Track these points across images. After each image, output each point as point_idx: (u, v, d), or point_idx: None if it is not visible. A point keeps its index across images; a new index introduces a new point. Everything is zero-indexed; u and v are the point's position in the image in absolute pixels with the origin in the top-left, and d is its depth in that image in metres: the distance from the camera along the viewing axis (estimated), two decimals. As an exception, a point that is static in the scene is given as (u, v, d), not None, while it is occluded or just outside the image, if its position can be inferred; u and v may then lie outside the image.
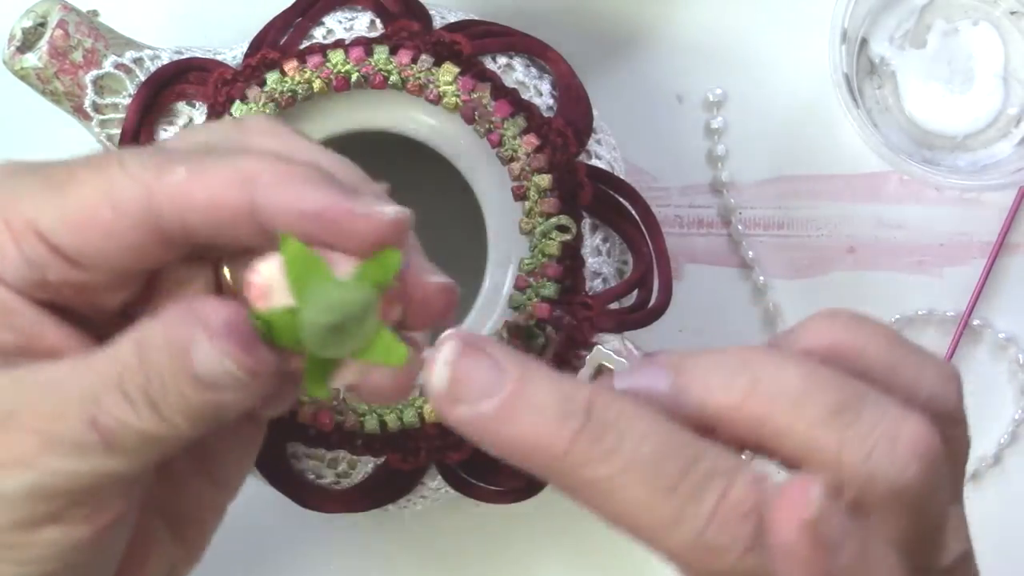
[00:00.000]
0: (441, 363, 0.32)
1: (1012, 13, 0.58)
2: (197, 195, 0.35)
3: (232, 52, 0.50)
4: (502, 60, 0.50)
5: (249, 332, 0.34)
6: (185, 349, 0.34)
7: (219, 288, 0.38)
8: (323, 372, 0.35)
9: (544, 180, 0.48)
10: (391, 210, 0.35)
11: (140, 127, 0.49)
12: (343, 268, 0.34)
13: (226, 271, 0.37)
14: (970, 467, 0.58)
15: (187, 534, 0.39)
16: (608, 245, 0.50)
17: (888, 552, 0.32)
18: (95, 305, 0.37)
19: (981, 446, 0.58)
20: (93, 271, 0.36)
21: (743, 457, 0.32)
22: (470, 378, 0.32)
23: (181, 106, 0.49)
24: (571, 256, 0.48)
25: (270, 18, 0.50)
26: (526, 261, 0.48)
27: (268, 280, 0.34)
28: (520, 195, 0.48)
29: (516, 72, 0.50)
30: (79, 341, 0.36)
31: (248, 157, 0.35)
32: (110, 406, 0.34)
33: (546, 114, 0.49)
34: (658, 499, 0.31)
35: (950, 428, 0.34)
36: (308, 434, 0.48)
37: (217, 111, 0.48)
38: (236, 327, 0.33)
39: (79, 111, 0.49)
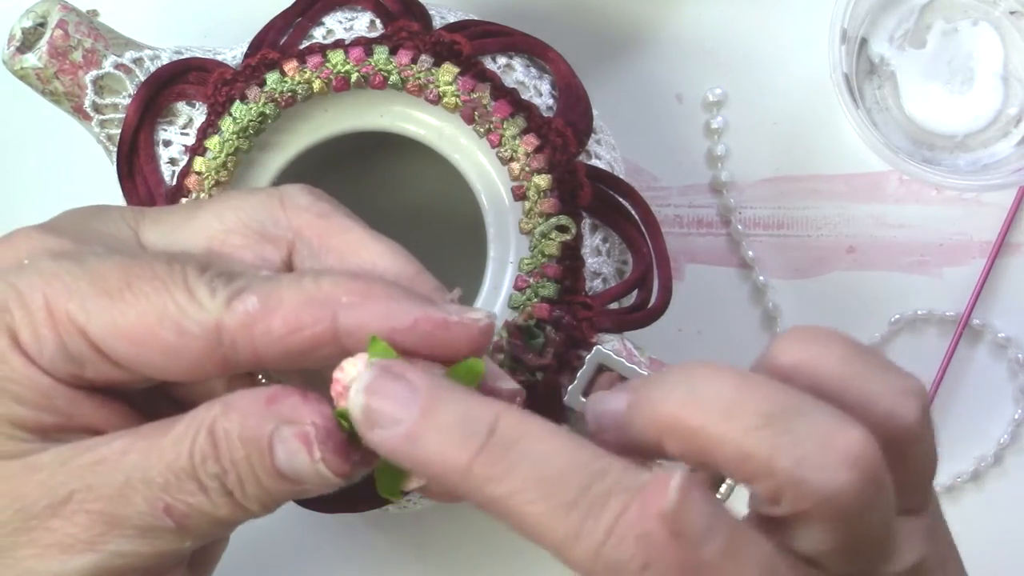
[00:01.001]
0: (355, 391, 0.33)
1: (1012, 13, 0.58)
2: (273, 324, 0.34)
3: (232, 52, 0.50)
4: (502, 60, 0.50)
5: (344, 438, 0.34)
6: (266, 444, 0.34)
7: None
8: (397, 473, 0.35)
9: (544, 180, 0.48)
10: (481, 316, 0.35)
11: (140, 127, 0.49)
12: None
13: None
14: (970, 467, 0.58)
15: (199, 568, 0.39)
16: (608, 245, 0.50)
17: (766, 550, 0.32)
18: (129, 387, 0.37)
19: (981, 446, 0.58)
20: (136, 375, 0.36)
21: (654, 472, 0.32)
22: (382, 404, 0.33)
23: (181, 106, 0.49)
24: (571, 256, 0.48)
25: (270, 18, 0.50)
26: (526, 261, 0.48)
27: (353, 379, 0.34)
28: (520, 195, 0.48)
29: (516, 72, 0.50)
30: (117, 414, 0.36)
31: (319, 280, 0.35)
32: (183, 494, 0.34)
33: (546, 114, 0.49)
34: (558, 515, 0.32)
35: (909, 444, 0.34)
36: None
37: (217, 111, 0.48)
38: (332, 433, 0.34)
39: (79, 111, 0.49)
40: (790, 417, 0.32)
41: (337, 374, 0.34)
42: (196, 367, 0.35)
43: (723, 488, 0.46)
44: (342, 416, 0.34)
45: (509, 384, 0.36)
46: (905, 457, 0.34)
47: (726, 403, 0.32)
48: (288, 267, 0.37)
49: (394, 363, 0.33)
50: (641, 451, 0.34)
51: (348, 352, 0.35)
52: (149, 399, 0.37)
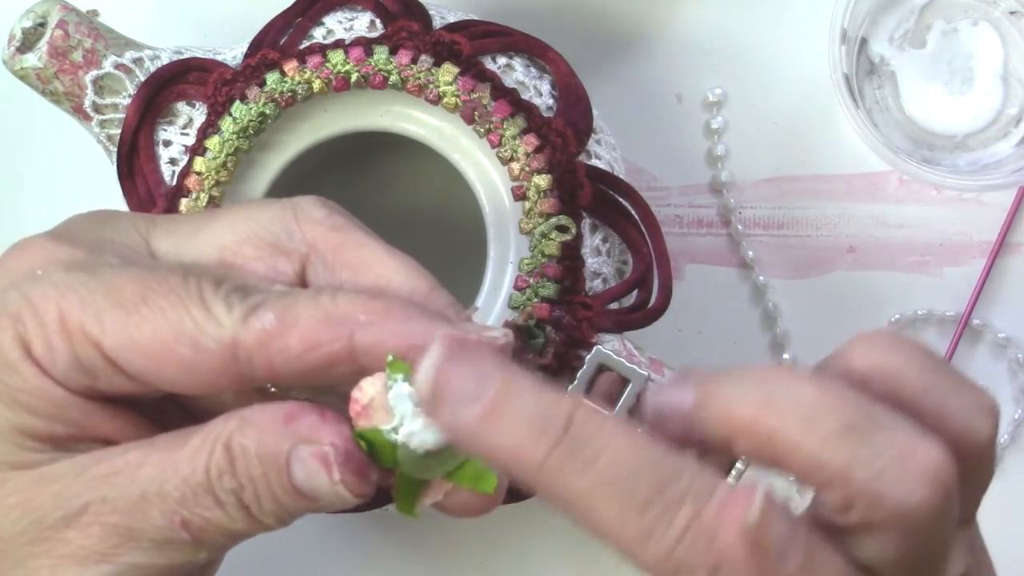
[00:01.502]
0: (427, 365, 0.32)
1: (1012, 13, 0.58)
2: (290, 341, 0.34)
3: (232, 52, 0.50)
4: (502, 60, 0.50)
5: (363, 459, 0.34)
6: (284, 462, 0.34)
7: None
8: (414, 491, 0.35)
9: (544, 180, 0.48)
10: (499, 335, 0.35)
11: (140, 127, 0.49)
12: None
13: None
14: (970, 467, 0.58)
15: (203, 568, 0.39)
16: (608, 245, 0.50)
17: (839, 565, 0.32)
18: (141, 398, 0.37)
19: (981, 446, 0.58)
20: (149, 388, 0.36)
21: (729, 478, 0.32)
22: (454, 382, 0.32)
23: (181, 106, 0.49)
24: (571, 256, 0.48)
25: (270, 18, 0.50)
26: (526, 261, 0.48)
27: (371, 399, 0.34)
28: (520, 195, 0.48)
29: (516, 72, 0.50)
30: (130, 424, 0.36)
31: (336, 297, 0.35)
32: (199, 508, 0.34)
33: (546, 114, 0.49)
34: (630, 516, 0.31)
35: (977, 460, 0.34)
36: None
37: (217, 111, 0.48)
38: (352, 455, 0.34)
39: (79, 111, 0.49)
40: (870, 428, 0.32)
41: (355, 393, 0.34)
42: (212, 381, 0.35)
43: (732, 473, 0.46)
44: (361, 437, 0.34)
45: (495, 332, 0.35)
46: (969, 473, 0.33)
47: (806, 409, 0.32)
48: (301, 280, 0.37)
49: (467, 341, 0.33)
50: (705, 446, 0.34)
51: (364, 370, 0.34)
52: (159, 408, 0.37)
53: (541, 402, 0.32)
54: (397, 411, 0.34)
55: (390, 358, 0.34)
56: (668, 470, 0.31)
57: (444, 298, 0.37)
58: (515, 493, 0.49)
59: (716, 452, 0.33)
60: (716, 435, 0.33)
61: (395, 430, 0.34)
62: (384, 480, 0.35)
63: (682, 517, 0.31)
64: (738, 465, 0.45)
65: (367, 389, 0.34)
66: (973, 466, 0.34)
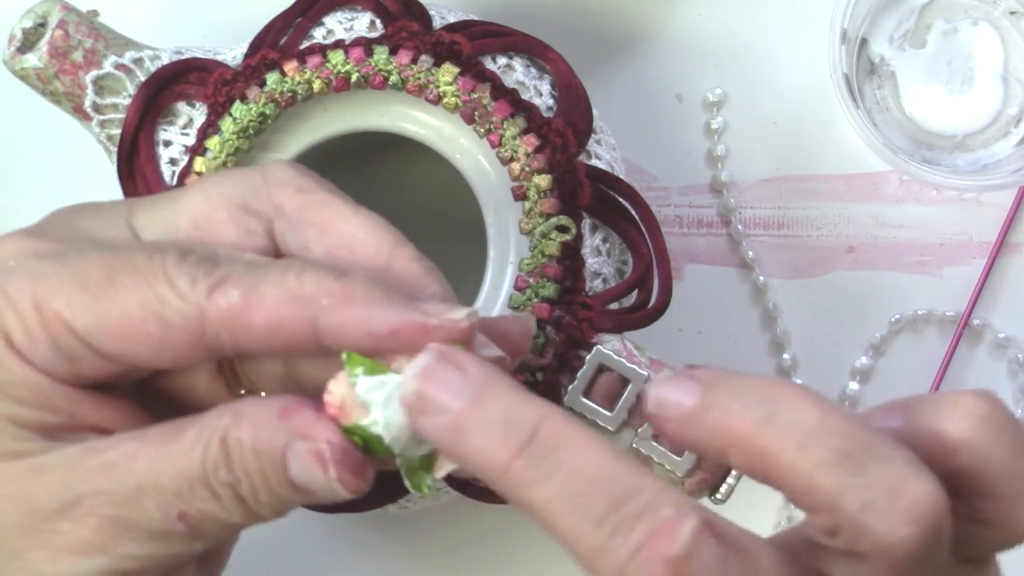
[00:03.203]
0: (410, 375, 0.33)
1: (1012, 13, 0.58)
2: (255, 320, 0.34)
3: (232, 52, 0.50)
4: (502, 60, 0.50)
5: (359, 456, 0.34)
6: (280, 457, 0.34)
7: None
8: (421, 468, 0.35)
9: (544, 180, 0.48)
10: (461, 316, 0.35)
11: (140, 127, 0.49)
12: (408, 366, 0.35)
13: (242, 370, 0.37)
14: (970, 467, 0.58)
15: (210, 565, 0.39)
16: (608, 245, 0.50)
17: None
18: (122, 381, 0.37)
19: (981, 446, 0.58)
20: (129, 367, 0.36)
21: (719, 493, 0.32)
22: (434, 391, 0.33)
23: (181, 106, 0.49)
24: (571, 256, 0.48)
25: (270, 18, 0.50)
26: (526, 261, 0.48)
27: (342, 399, 0.34)
28: (520, 195, 0.48)
29: (516, 72, 0.50)
30: (118, 412, 0.36)
31: (303, 276, 0.35)
32: (196, 501, 0.34)
33: (546, 114, 0.49)
34: (587, 528, 0.32)
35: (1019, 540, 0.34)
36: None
37: (217, 111, 0.48)
38: (348, 452, 0.34)
39: (79, 111, 0.49)
40: (865, 458, 0.32)
41: (326, 397, 0.35)
42: (182, 355, 0.35)
43: (723, 489, 0.46)
44: (349, 432, 0.34)
45: (494, 351, 0.36)
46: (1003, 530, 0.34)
47: (804, 433, 0.32)
48: (271, 240, 0.37)
49: (453, 350, 0.34)
50: (700, 450, 0.34)
51: (330, 350, 0.35)
52: (146, 395, 0.38)
53: (511, 408, 0.32)
54: (370, 404, 0.34)
55: (345, 355, 0.34)
56: (628, 487, 0.32)
57: (409, 253, 0.37)
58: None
59: (709, 457, 0.34)
60: (711, 443, 0.33)
61: (375, 423, 0.34)
62: (387, 465, 0.35)
63: (635, 536, 0.31)
64: (729, 480, 0.45)
65: (335, 391, 0.34)
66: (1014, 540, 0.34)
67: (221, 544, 0.39)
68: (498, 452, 0.32)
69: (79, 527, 0.35)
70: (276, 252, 0.37)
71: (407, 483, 0.35)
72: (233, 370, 0.37)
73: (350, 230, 0.37)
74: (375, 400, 0.34)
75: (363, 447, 0.34)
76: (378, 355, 0.35)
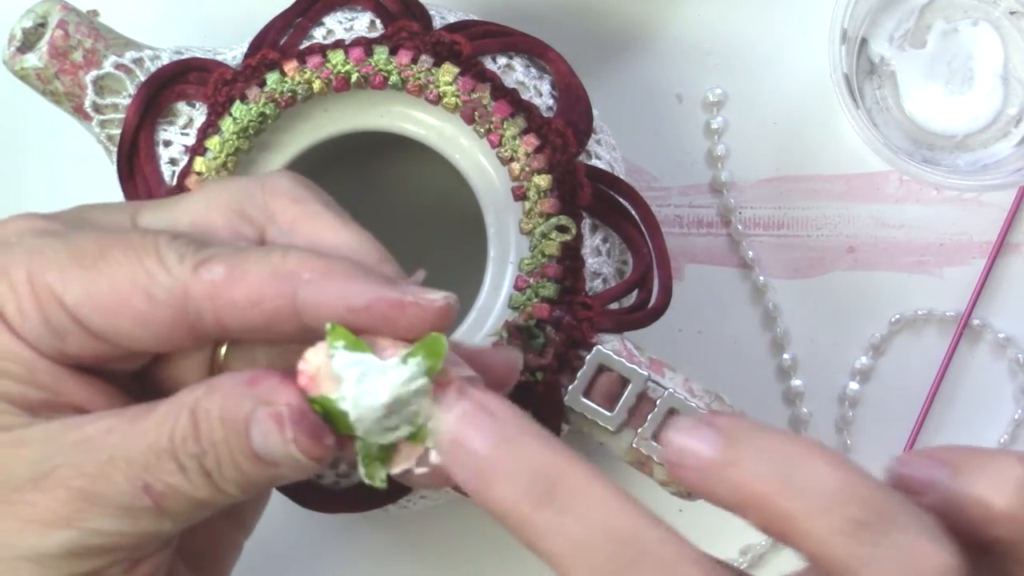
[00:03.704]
0: (448, 421, 0.34)
1: (1012, 13, 0.58)
2: (237, 295, 0.35)
3: (232, 52, 0.50)
4: (502, 60, 0.50)
5: (317, 420, 0.34)
6: (244, 426, 0.34)
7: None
8: (379, 458, 0.35)
9: (544, 180, 0.48)
10: (438, 297, 0.35)
11: (140, 127, 0.49)
12: (390, 351, 0.35)
13: (222, 350, 0.38)
14: (970, 467, 0.58)
15: (206, 572, 0.39)
16: (608, 245, 0.50)
17: None
18: (113, 367, 0.37)
19: (981, 446, 0.58)
20: (116, 347, 0.36)
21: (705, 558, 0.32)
22: (466, 435, 0.34)
23: (181, 106, 0.49)
24: (571, 256, 0.48)
25: (270, 18, 0.50)
26: (526, 261, 0.48)
27: (316, 368, 0.34)
28: (520, 195, 0.48)
29: (516, 72, 0.50)
30: (102, 394, 0.37)
31: (286, 255, 0.35)
32: (163, 474, 0.34)
33: (546, 114, 0.49)
34: None
35: None
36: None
37: (217, 111, 0.48)
38: (306, 415, 0.34)
39: (79, 111, 0.49)
40: (883, 528, 0.32)
41: (301, 365, 0.35)
42: (166, 333, 0.35)
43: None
44: (315, 402, 0.34)
45: (466, 371, 0.36)
46: None
47: (823, 499, 0.32)
48: (261, 241, 0.38)
49: (488, 398, 0.34)
50: (715, 502, 0.34)
51: (309, 329, 0.35)
52: (139, 387, 0.38)
53: (533, 460, 0.33)
54: (343, 379, 0.34)
55: (329, 326, 0.35)
56: (643, 545, 0.32)
57: (392, 269, 0.37)
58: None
59: (726, 510, 0.33)
60: (729, 499, 0.33)
61: (343, 398, 0.34)
62: (343, 447, 0.35)
63: None
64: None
65: (311, 359, 0.35)
66: None
67: (214, 557, 0.39)
68: (518, 504, 0.33)
69: (49, 499, 0.35)
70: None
71: (361, 470, 0.35)
72: (222, 366, 0.38)
73: (336, 243, 0.37)
74: (349, 376, 0.34)
75: (324, 419, 0.34)
76: (362, 334, 0.35)
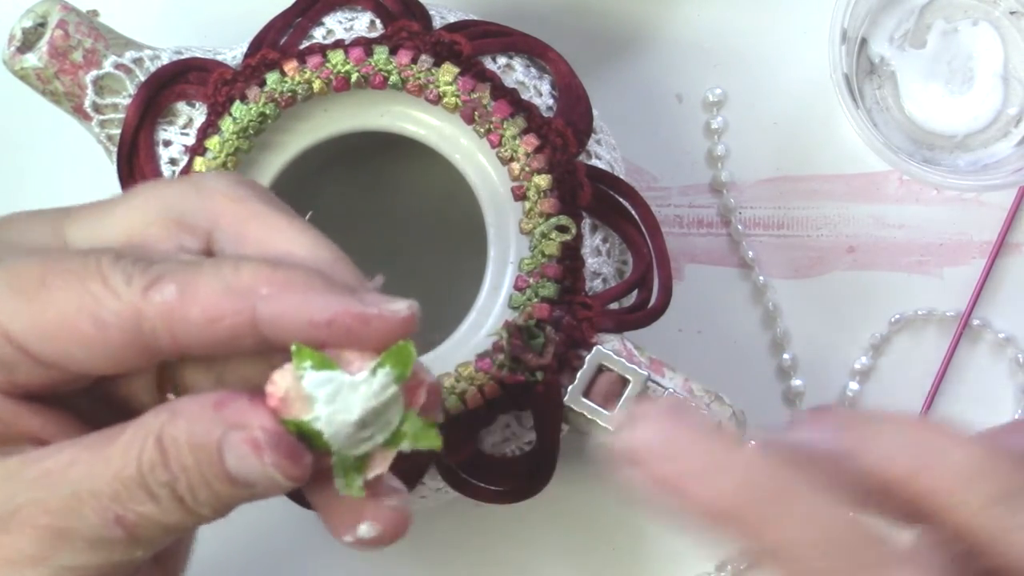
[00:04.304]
0: (642, 429, 0.32)
1: (1012, 13, 0.58)
2: (191, 314, 0.34)
3: (232, 52, 0.50)
4: (502, 60, 0.50)
5: (294, 442, 0.34)
6: (215, 450, 0.33)
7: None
8: (355, 468, 0.35)
9: (544, 180, 0.48)
10: (402, 307, 0.34)
11: (140, 127, 0.49)
12: (357, 365, 0.34)
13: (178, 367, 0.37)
14: (970, 467, 0.58)
15: (166, 564, 0.39)
16: (608, 245, 0.50)
17: None
18: (64, 390, 0.36)
19: (981, 446, 0.58)
20: (67, 373, 0.35)
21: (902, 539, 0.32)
22: (652, 439, 0.32)
23: (181, 106, 0.49)
24: (571, 256, 0.48)
25: (270, 18, 0.50)
26: (526, 261, 0.48)
27: (285, 390, 0.34)
28: (520, 195, 0.48)
29: (516, 72, 0.50)
30: (56, 421, 0.36)
31: (239, 268, 0.34)
32: (133, 503, 0.34)
33: (546, 114, 0.49)
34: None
35: None
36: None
37: (217, 111, 0.48)
38: (282, 438, 0.34)
39: (79, 111, 0.49)
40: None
41: (269, 388, 0.34)
42: (120, 357, 0.35)
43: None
44: (288, 423, 0.34)
45: (429, 377, 0.35)
46: None
47: (968, 474, 0.32)
48: (209, 255, 0.36)
49: (681, 406, 0.33)
50: (847, 491, 0.33)
51: (269, 342, 0.34)
52: (90, 408, 0.37)
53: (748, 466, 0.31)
54: (315, 399, 0.34)
55: (294, 347, 0.34)
56: (858, 540, 0.31)
57: (348, 268, 0.36)
58: (515, 493, 0.49)
59: (858, 503, 0.33)
60: (867, 484, 0.32)
61: (317, 418, 0.34)
62: (321, 463, 0.35)
63: None
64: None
65: (279, 382, 0.34)
66: None
67: (173, 545, 0.38)
68: (736, 499, 0.31)
69: (15, 539, 0.34)
70: (210, 254, 0.37)
71: (338, 482, 0.35)
72: (174, 380, 0.37)
73: (285, 243, 0.36)
74: (320, 396, 0.34)
75: (299, 436, 0.34)
76: (325, 348, 0.34)
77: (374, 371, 0.34)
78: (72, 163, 0.59)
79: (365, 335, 0.34)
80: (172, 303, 0.34)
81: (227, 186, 0.37)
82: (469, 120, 0.48)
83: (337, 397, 0.34)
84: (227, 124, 0.48)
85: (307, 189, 0.50)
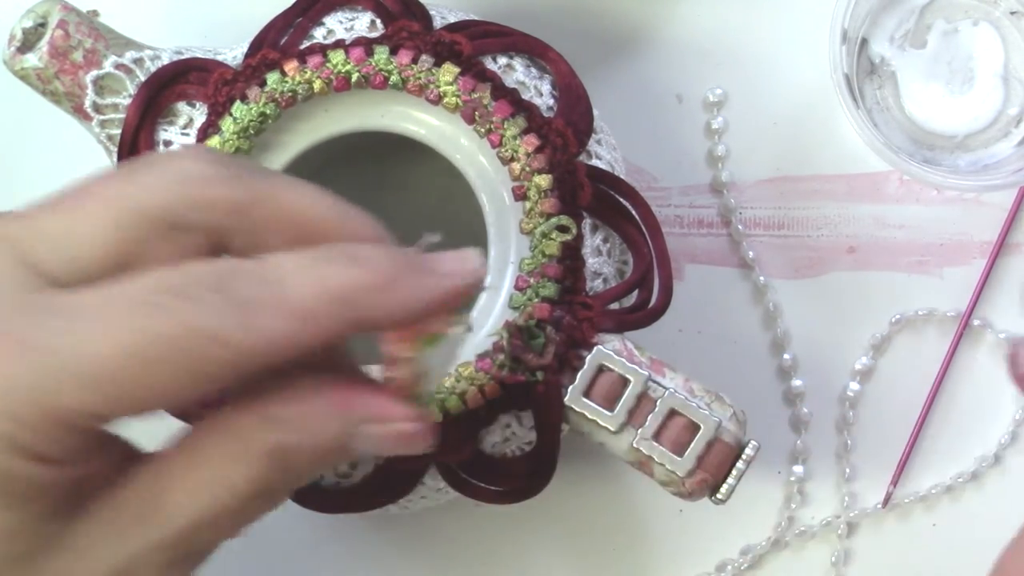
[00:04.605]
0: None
1: (1012, 13, 0.58)
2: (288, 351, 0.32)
3: (232, 52, 0.50)
4: (502, 60, 0.50)
5: (428, 420, 0.36)
6: (344, 446, 0.34)
7: None
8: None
9: (544, 180, 0.48)
10: (471, 263, 0.35)
11: (140, 127, 0.49)
12: (394, 339, 0.36)
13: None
14: (970, 467, 0.58)
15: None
16: (608, 245, 0.50)
17: None
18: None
19: (981, 446, 0.58)
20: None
21: None
22: None
23: (181, 106, 0.49)
24: (571, 256, 0.48)
25: (270, 18, 0.50)
26: (526, 261, 0.48)
27: (403, 375, 0.36)
28: (520, 195, 0.48)
29: (516, 72, 0.50)
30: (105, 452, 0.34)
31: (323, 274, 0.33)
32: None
33: (546, 114, 0.49)
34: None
35: None
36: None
37: (217, 111, 0.48)
38: (427, 421, 0.35)
39: (79, 111, 0.49)
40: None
41: (394, 372, 0.36)
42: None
43: (723, 489, 0.46)
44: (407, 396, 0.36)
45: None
46: None
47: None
48: (215, 251, 0.33)
49: None
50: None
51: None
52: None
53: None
54: (431, 371, 0.36)
55: (416, 338, 0.35)
56: None
57: (360, 218, 0.36)
58: (515, 493, 0.49)
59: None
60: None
61: (429, 383, 0.36)
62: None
63: None
64: (729, 480, 0.46)
65: (403, 365, 0.36)
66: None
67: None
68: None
69: None
70: (218, 253, 0.34)
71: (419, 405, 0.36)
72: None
73: (302, 211, 0.34)
74: (435, 364, 0.36)
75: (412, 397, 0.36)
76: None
77: (468, 325, 0.36)
78: (72, 163, 0.59)
79: (456, 304, 0.35)
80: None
81: (209, 167, 0.33)
82: (470, 120, 0.48)
83: (442, 359, 0.36)
84: (227, 124, 0.48)
85: (307, 189, 0.49)
